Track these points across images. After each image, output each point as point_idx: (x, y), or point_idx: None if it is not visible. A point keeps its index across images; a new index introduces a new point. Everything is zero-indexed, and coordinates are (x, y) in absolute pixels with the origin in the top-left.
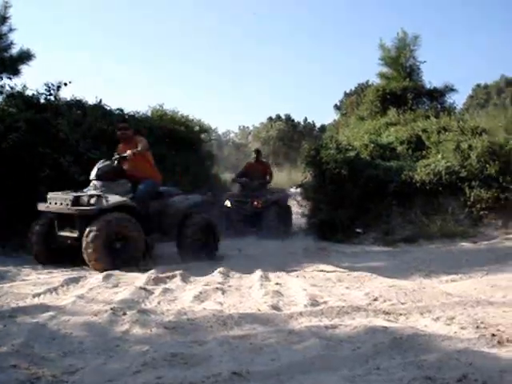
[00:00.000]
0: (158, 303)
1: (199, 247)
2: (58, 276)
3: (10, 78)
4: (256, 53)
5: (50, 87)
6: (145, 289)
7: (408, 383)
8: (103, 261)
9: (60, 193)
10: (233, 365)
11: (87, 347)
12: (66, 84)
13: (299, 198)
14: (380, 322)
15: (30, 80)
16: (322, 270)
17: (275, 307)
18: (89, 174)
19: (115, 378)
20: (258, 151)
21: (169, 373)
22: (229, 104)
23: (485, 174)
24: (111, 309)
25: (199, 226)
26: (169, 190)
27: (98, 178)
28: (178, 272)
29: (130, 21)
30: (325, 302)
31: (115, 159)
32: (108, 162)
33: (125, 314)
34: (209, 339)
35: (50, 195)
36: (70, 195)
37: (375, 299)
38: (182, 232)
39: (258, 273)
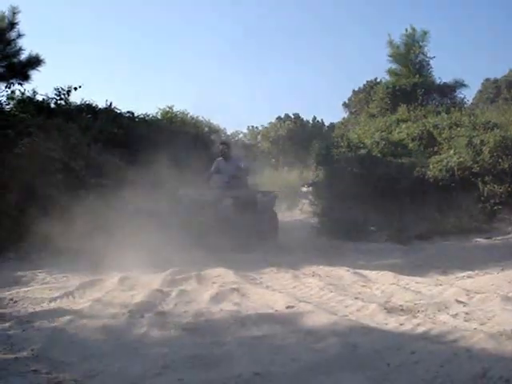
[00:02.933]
0: (175, 305)
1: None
2: (74, 280)
3: (21, 84)
4: (263, 52)
5: (60, 92)
6: (161, 291)
7: (431, 381)
8: None
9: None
10: (253, 365)
11: (106, 351)
12: (76, 88)
13: (311, 197)
14: (398, 319)
15: (44, 85)
16: (337, 269)
17: (292, 307)
18: (100, 177)
19: (136, 381)
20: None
21: (190, 375)
22: (237, 104)
23: (498, 169)
24: (128, 312)
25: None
26: None
27: None
28: (193, 274)
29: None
30: (341, 301)
31: None
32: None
33: (142, 316)
34: (228, 340)
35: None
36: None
37: (392, 296)
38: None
39: (272, 272)
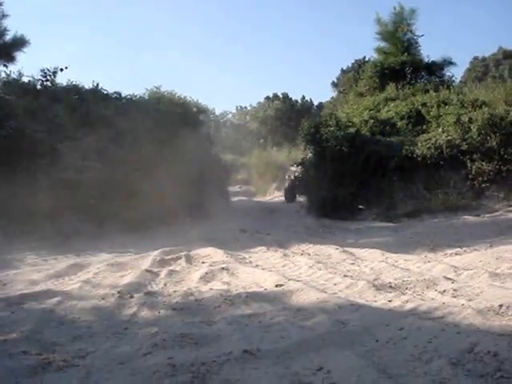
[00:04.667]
0: (165, 285)
1: None
2: (63, 262)
3: (6, 66)
4: (251, 32)
5: (46, 73)
6: (150, 271)
7: (419, 356)
8: None
9: None
10: (243, 343)
11: (96, 331)
12: (62, 69)
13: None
14: (387, 296)
15: (30, 66)
16: (326, 247)
17: (281, 285)
18: (87, 160)
19: (126, 360)
20: None
21: (179, 353)
22: (226, 84)
23: (486, 147)
24: (118, 292)
25: None
26: None
27: None
28: (182, 254)
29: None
30: (330, 279)
31: None
32: None
33: (132, 297)
34: (217, 319)
35: None
36: None
37: (380, 274)
38: None
39: (262, 252)
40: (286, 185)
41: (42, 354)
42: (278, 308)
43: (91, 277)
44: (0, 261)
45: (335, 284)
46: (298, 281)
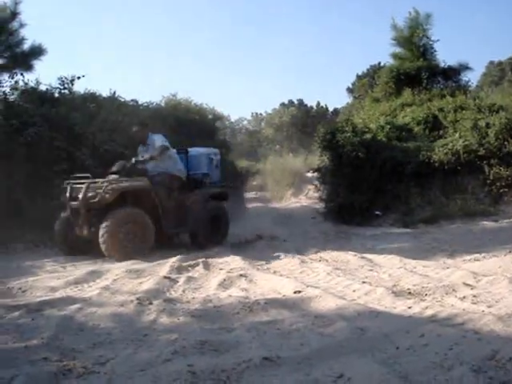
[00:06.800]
0: (183, 292)
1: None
2: (82, 268)
3: (22, 74)
4: (266, 38)
5: (63, 81)
6: (169, 278)
7: (440, 363)
8: None
9: None
10: (262, 350)
11: (116, 338)
12: (79, 77)
13: (316, 183)
14: (406, 302)
15: (47, 75)
16: (343, 254)
17: (299, 292)
18: (105, 167)
19: (146, 367)
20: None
21: (199, 360)
22: (241, 91)
23: (503, 152)
24: (137, 299)
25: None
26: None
27: None
28: (200, 260)
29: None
30: (349, 285)
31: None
32: None
33: (151, 303)
34: (236, 326)
35: None
36: None
37: (399, 280)
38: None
39: (279, 258)
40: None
41: (62, 361)
42: (297, 315)
43: (110, 283)
44: (19, 268)
45: (354, 290)
46: (317, 287)
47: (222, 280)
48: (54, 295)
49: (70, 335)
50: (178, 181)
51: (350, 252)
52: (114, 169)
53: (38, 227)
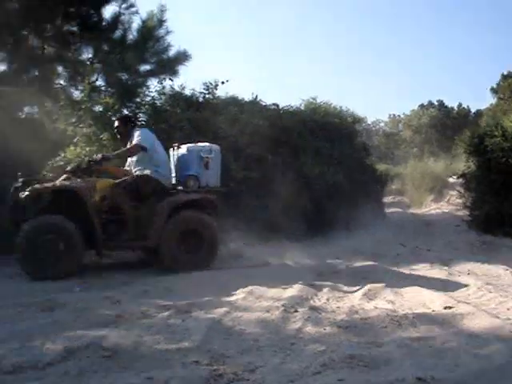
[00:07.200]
0: (327, 300)
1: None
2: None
3: (171, 79)
4: (404, 38)
5: (208, 86)
6: (313, 285)
7: None
8: None
9: None
10: (415, 369)
11: (263, 344)
12: (223, 82)
13: (459, 189)
14: None
15: (189, 80)
16: (494, 267)
17: (450, 307)
18: (248, 170)
19: (296, 378)
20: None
21: (349, 375)
22: (378, 92)
23: None
24: (282, 305)
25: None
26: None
27: None
28: (342, 268)
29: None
30: (503, 302)
31: None
32: None
33: (296, 311)
34: (386, 340)
35: None
36: None
37: None
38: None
39: (425, 269)
40: None
41: (212, 365)
42: (449, 332)
43: (254, 288)
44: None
45: (508, 309)
46: (468, 303)
47: (366, 290)
48: (201, 297)
49: (219, 339)
50: (151, 184)
51: (501, 266)
52: (68, 168)
53: None
